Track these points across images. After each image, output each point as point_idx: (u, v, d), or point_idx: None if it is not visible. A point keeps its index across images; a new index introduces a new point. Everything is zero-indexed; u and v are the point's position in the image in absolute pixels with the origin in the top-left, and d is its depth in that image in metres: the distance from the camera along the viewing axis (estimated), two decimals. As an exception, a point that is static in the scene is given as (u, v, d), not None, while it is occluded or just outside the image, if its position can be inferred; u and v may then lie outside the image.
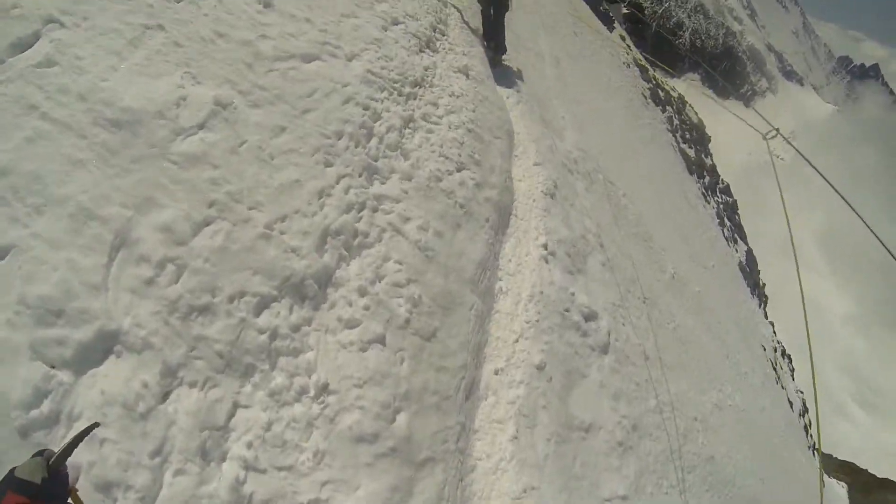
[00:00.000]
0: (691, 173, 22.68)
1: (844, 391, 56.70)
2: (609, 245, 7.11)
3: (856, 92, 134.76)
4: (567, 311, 5.51)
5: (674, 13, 73.95)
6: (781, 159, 76.84)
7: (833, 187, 5.57)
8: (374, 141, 4.78)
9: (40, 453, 1.57)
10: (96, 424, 1.79)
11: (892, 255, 4.30)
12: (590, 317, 5.75)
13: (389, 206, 4.49)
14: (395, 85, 5.50)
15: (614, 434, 5.34)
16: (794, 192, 71.54)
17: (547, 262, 5.66)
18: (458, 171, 5.49)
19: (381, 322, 3.78)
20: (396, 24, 6.33)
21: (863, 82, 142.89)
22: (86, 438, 1.69)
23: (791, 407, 20.84)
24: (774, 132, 9.75)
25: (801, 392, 24.00)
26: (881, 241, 4.36)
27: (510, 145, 6.75)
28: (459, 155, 5.62)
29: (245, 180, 3.67)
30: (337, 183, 4.17)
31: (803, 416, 22.78)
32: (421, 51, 6.43)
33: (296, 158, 4.09)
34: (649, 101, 22.29)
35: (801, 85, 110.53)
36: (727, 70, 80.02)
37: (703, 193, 22.93)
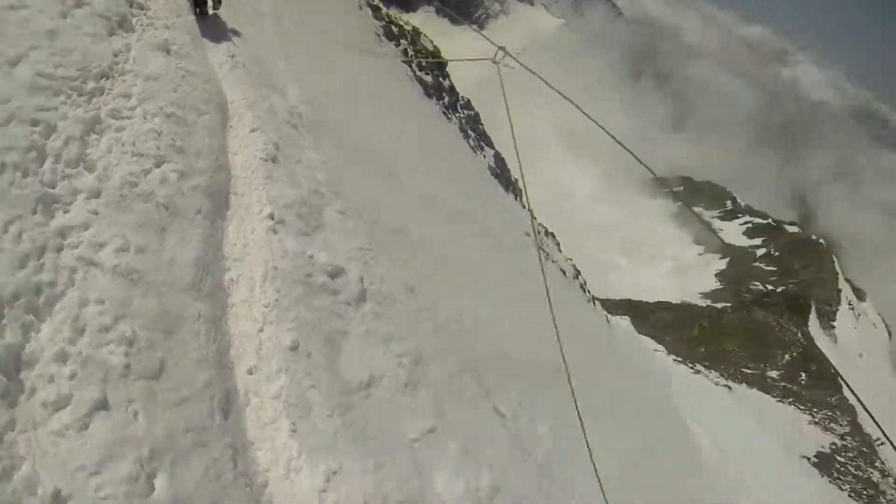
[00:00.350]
0: (430, 97, 24.35)
1: (609, 247, 67.68)
2: (348, 190, 7.14)
3: (581, 7, 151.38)
4: (309, 276, 5.32)
5: (403, -51, 74.78)
6: (513, 69, 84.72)
7: (560, 92, 5.42)
8: (48, 163, 4.06)
9: None
10: None
11: (618, 142, 4.65)
12: (336, 273, 5.61)
13: (77, 238, 3.82)
14: (74, 83, 4.82)
15: (398, 376, 5.31)
16: (532, 95, 79.64)
17: (276, 232, 5.41)
18: (158, 166, 4.99)
19: (96, 383, 3.17)
20: (80, 7, 5.65)
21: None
22: None
23: (565, 274, 24.15)
24: (503, 54, 10.98)
25: (570, 259, 27.90)
26: (606, 132, 4.55)
27: (222, 119, 6.50)
28: (157, 147, 5.11)
29: None
30: (4, 232, 3.41)
31: (577, 278, 26.48)
32: (111, 34, 5.85)
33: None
34: (383, 38, 23.32)
35: (532, 4, 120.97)
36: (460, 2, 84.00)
37: (443, 112, 24.74)
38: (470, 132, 26.14)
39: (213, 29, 8.30)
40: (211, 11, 8.60)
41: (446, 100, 25.81)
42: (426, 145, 16.09)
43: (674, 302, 57.35)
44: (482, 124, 29.20)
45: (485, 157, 26.22)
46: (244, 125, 6.62)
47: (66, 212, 3.96)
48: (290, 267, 5.17)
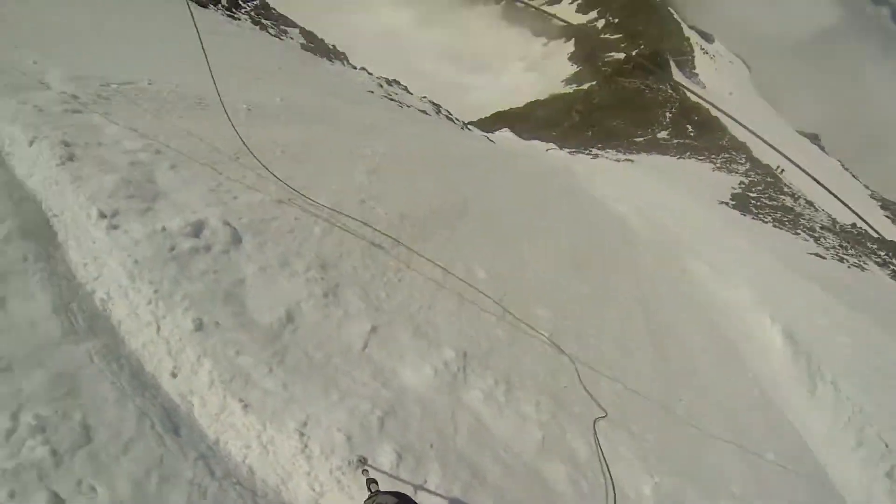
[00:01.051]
0: (205, 6, 21.87)
1: (455, 71, 64.61)
2: (169, 143, 6.14)
3: None
4: (173, 248, 4.72)
5: None
6: None
7: None
8: None
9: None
10: None
11: None
12: (197, 229, 4.98)
13: None
14: None
15: (313, 293, 5.05)
16: None
17: (116, 227, 4.61)
18: None
19: (37, 485, 2.87)
20: None
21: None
22: None
23: (426, 113, 23.13)
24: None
25: (425, 96, 27.04)
26: None
27: None
28: None
29: None
30: None
31: (440, 112, 25.80)
32: None
33: None
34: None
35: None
36: None
37: (229, 17, 22.61)
38: (265, 21, 24.11)
39: None
40: None
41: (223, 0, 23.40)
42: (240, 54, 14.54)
43: (542, 98, 57.85)
44: (274, 9, 27.12)
45: (292, 38, 24.49)
46: (18, 143, 5.18)
47: None
48: (150, 252, 4.48)
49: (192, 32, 6.25)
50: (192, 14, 6.39)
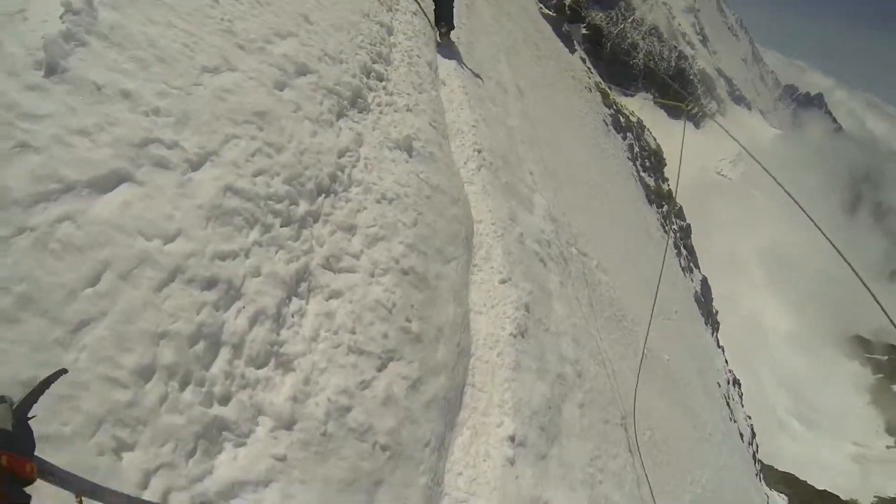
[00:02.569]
0: (651, 203, 21.65)
1: (784, 406, 56.65)
2: (587, 369, 5.45)
3: (800, 118, 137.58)
4: None
5: (629, 35, 73.96)
6: (727, 177, 77.88)
7: (792, 198, 5.10)
8: (221, 359, 2.36)
9: (1, 399, 1.34)
10: (64, 371, 1.53)
11: (853, 270, 3.77)
12: None
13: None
14: (279, 206, 3.06)
15: None
16: (737, 210, 72.41)
17: (513, 463, 3.61)
18: (382, 369, 3.07)
19: None
20: (303, 76, 4.01)
21: (807, 110, 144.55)
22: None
23: (742, 438, 19.98)
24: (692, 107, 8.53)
25: (749, 417, 23.34)
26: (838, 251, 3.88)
27: (468, 259, 4.72)
28: (385, 336, 3.20)
29: None
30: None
31: (752, 443, 22.01)
32: (340, 116, 4.15)
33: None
34: (610, 128, 21.08)
35: (749, 109, 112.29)
36: (678, 92, 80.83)
37: (661, 224, 21.98)
38: (682, 249, 22.87)
39: (461, 108, 6.80)
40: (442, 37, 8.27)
41: (664, 208, 22.87)
42: (650, 272, 13.24)
43: (843, 498, 46.44)
44: (691, 238, 26.12)
45: (692, 280, 22.76)
46: (493, 266, 4.83)
47: (234, 457, 2.23)
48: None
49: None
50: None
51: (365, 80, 4.87)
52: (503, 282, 4.67)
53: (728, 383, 21.66)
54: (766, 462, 31.65)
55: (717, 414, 14.45)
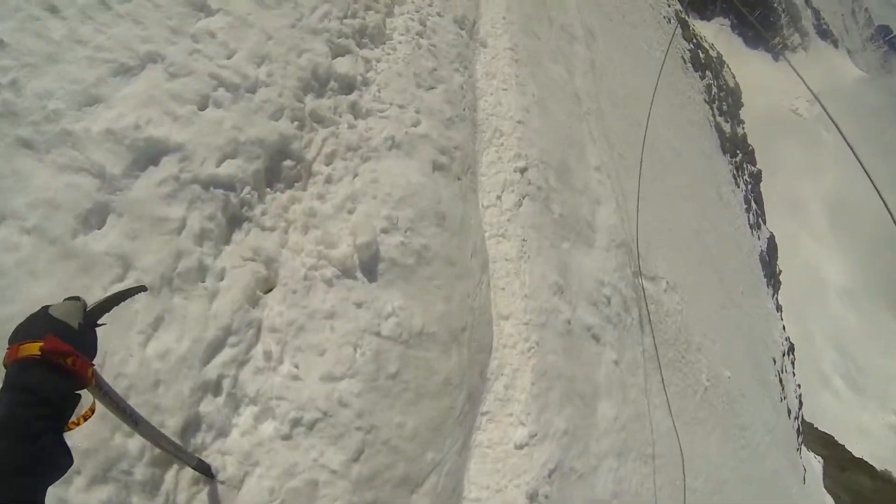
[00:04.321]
0: (724, 152, 18.91)
1: (830, 363, 53.48)
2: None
3: (891, 63, 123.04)
4: None
5: (716, -52, 66.28)
6: (801, 116, 70.73)
7: (851, 148, 4.40)
8: None
9: (76, 298, 1.30)
10: (143, 288, 1.55)
11: None
12: None
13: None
14: None
15: None
16: (807, 152, 66.21)
17: None
18: None
19: None
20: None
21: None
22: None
23: (789, 414, 18.34)
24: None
25: (799, 386, 21.50)
26: (892, 214, 3.48)
27: (464, 442, 2.98)
28: None
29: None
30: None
31: (798, 418, 20.29)
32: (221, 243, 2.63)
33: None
34: (689, 65, 18.14)
35: (836, 47, 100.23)
36: (760, 19, 72.87)
37: (733, 175, 19.35)
38: (752, 203, 20.22)
39: (504, 88, 4.85)
40: None
41: (738, 158, 20.04)
42: (718, 250, 11.17)
43: (878, 469, 43.89)
44: (760, 186, 23.31)
45: (759, 238, 20.36)
46: (511, 418, 3.09)
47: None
48: None
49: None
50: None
51: (311, 108, 3.24)
52: (522, 446, 2.89)
53: (783, 355, 19.69)
54: (806, 418, 29.92)
55: (767, 411, 12.75)
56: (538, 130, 4.46)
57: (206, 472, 2.07)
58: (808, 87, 5.44)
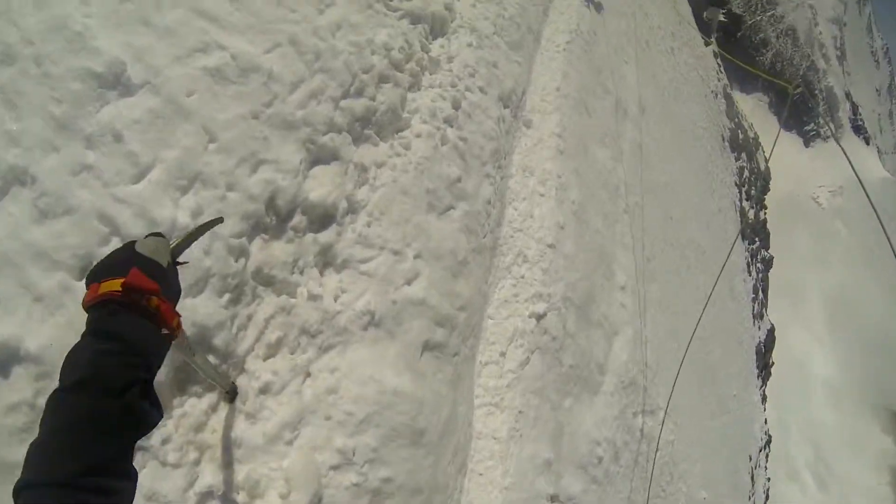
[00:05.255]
0: (744, 239, 18.27)
1: (804, 458, 52.42)
2: None
3: None
4: None
5: (763, 29, 65.96)
6: (820, 205, 69.85)
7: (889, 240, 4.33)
8: None
9: (160, 234, 1.19)
10: (220, 220, 1.46)
11: None
12: None
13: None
14: None
15: None
16: (819, 243, 65.38)
17: None
18: None
19: None
20: None
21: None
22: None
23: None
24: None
25: (769, 479, 20.84)
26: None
27: None
28: None
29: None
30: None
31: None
32: None
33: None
34: (726, 145, 17.48)
35: (867, 144, 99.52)
36: (798, 103, 72.57)
37: (747, 262, 18.72)
38: (760, 293, 19.69)
39: (539, 192, 4.06)
40: None
41: (756, 245, 19.48)
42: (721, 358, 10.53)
43: None
44: (769, 273, 22.79)
45: (759, 328, 19.84)
46: None
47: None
48: None
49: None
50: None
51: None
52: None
53: (759, 451, 19.04)
54: None
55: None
56: (569, 256, 3.70)
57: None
58: (855, 171, 4.94)
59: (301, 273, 2.22)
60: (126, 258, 1.04)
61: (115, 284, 0.98)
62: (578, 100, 4.75)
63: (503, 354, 3.06)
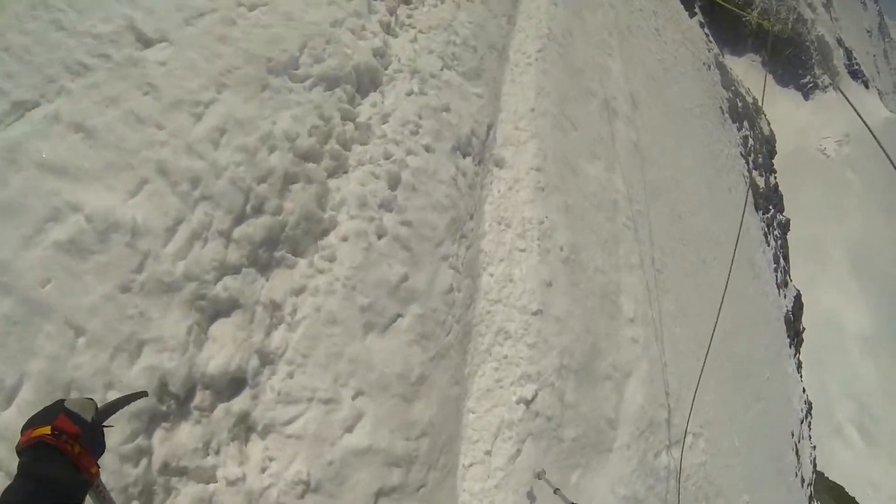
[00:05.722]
0: (757, 209, 17.55)
1: (846, 412, 50.86)
2: None
3: None
4: None
5: (746, -14, 64.59)
6: (828, 156, 68.25)
7: None
8: None
9: (89, 398, 1.29)
10: (144, 393, 1.51)
11: None
12: None
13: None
14: None
15: None
16: (832, 194, 63.77)
17: None
18: None
19: None
20: None
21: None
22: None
23: (802, 483, 17.06)
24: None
25: (815, 448, 20.03)
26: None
27: None
28: None
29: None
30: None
31: (811, 483, 18.89)
32: None
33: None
34: (726, 116, 16.80)
35: (866, 87, 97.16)
36: (791, 57, 71.13)
37: (764, 233, 17.99)
38: (781, 260, 18.94)
39: (520, 247, 3.55)
40: None
41: (770, 212, 18.72)
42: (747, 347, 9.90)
43: None
44: (787, 235, 21.93)
45: (785, 297, 19.04)
46: None
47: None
48: None
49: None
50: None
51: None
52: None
53: (801, 422, 18.26)
54: (817, 468, 28.11)
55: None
56: (561, 318, 3.18)
57: None
58: (861, 117, 4.31)
59: (217, 453, 1.80)
60: (56, 409, 1.13)
61: (45, 430, 1.07)
62: (558, 115, 4.20)
63: (488, 453, 2.58)
